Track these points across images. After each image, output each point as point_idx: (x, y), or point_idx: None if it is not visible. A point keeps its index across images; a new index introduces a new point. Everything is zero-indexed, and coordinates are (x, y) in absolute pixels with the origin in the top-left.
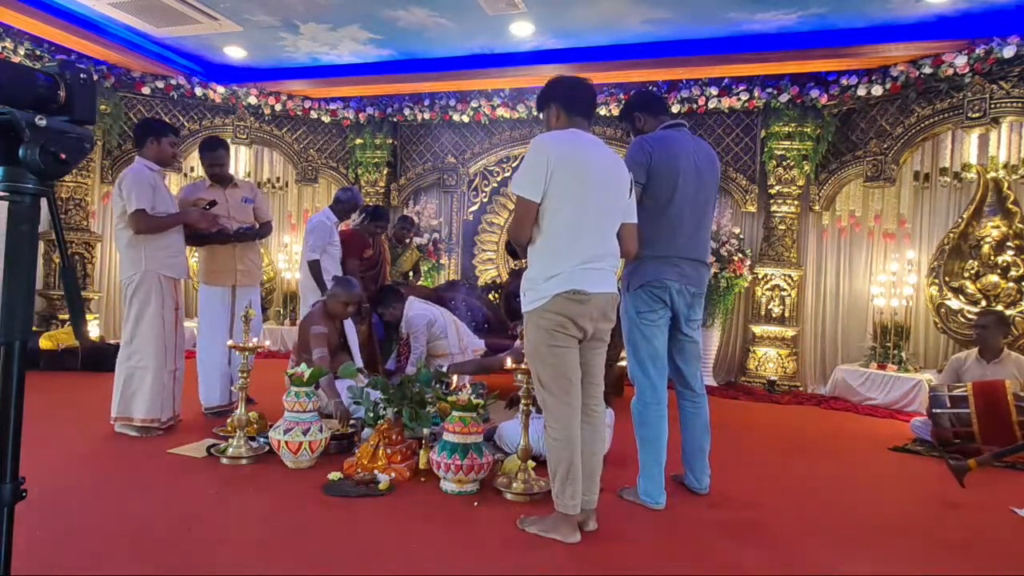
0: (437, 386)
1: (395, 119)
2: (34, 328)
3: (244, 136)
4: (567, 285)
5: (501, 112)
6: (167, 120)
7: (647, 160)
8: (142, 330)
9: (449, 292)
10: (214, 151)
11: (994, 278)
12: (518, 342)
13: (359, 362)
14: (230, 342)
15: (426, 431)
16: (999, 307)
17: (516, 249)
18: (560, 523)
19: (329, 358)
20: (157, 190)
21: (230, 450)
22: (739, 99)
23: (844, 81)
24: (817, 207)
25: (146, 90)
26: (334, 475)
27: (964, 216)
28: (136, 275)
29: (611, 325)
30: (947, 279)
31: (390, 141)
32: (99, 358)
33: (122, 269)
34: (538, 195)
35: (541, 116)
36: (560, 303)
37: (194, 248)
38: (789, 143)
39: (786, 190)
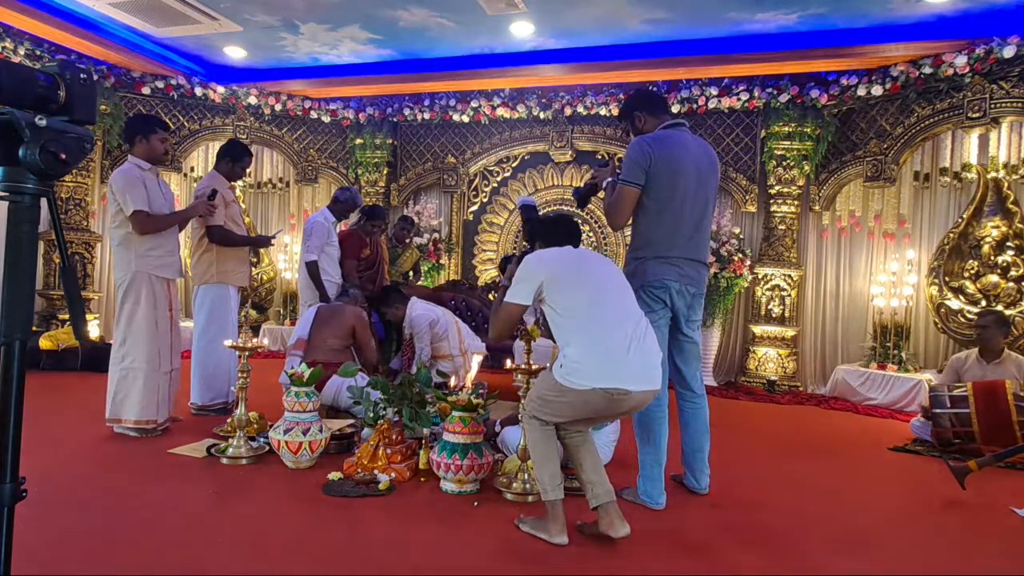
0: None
1: (395, 119)
2: (34, 328)
3: (244, 136)
4: None
5: (501, 112)
6: (167, 121)
7: (647, 161)
8: (134, 331)
9: (449, 292)
10: (251, 158)
11: (994, 278)
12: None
13: None
14: (228, 342)
15: (426, 431)
16: (999, 307)
17: None
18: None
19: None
20: (149, 188)
21: (230, 450)
22: (739, 99)
23: (844, 81)
24: (817, 207)
25: (146, 90)
26: (334, 475)
27: (964, 216)
28: (127, 276)
29: None
30: (947, 279)
31: (390, 141)
32: (99, 358)
33: (115, 270)
34: None
35: None
36: None
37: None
38: (789, 143)
39: (786, 190)
